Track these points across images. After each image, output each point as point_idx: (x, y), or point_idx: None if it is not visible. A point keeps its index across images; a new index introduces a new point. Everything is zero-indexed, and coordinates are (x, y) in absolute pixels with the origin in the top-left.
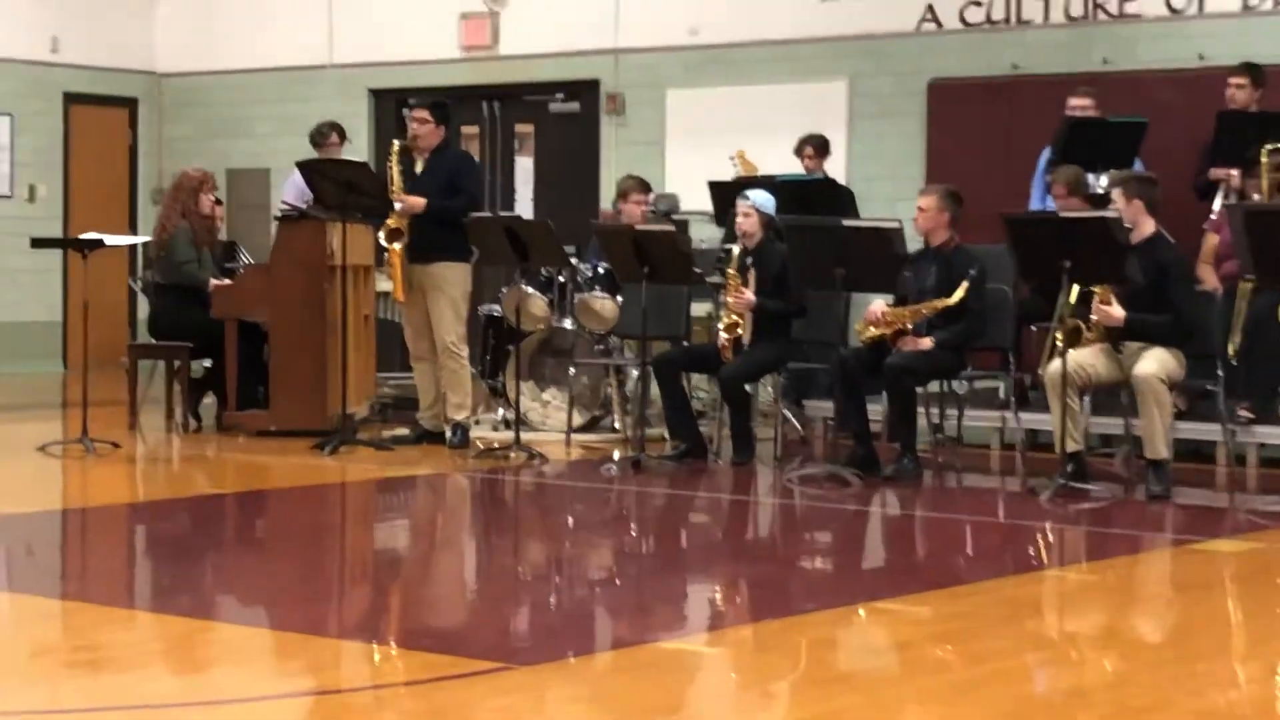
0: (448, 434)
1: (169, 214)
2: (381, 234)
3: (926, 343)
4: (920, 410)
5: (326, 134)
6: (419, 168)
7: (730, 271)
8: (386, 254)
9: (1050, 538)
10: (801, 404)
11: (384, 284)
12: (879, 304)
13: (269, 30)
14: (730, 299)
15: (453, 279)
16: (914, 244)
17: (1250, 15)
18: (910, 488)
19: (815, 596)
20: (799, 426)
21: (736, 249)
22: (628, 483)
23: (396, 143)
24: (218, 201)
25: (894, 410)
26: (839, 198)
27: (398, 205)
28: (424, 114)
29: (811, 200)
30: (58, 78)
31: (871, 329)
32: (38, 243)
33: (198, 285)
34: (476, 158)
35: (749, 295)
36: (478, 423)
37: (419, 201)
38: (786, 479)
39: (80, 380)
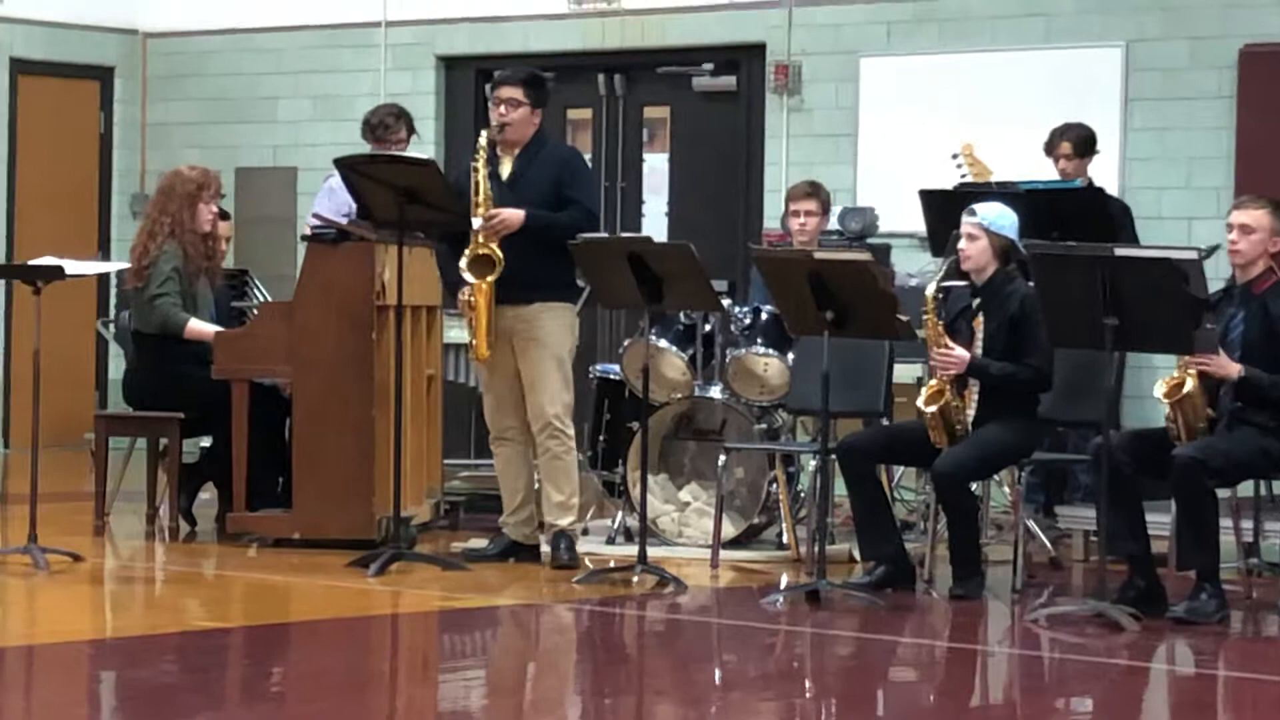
0: (545, 547)
1: (152, 230)
2: (463, 263)
3: (1234, 368)
4: (1226, 523)
5: (392, 125)
6: (505, 169)
7: (929, 315)
8: (467, 292)
9: None
10: (1053, 513)
11: (456, 333)
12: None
13: None
14: (935, 356)
15: (557, 327)
16: (1215, 281)
17: None
18: (1210, 635)
19: None
20: (1049, 544)
21: (935, 282)
22: (800, 621)
23: (484, 134)
24: (223, 215)
25: (1186, 523)
26: (1109, 215)
27: (485, 221)
28: (514, 92)
29: (1069, 218)
30: (2, 37)
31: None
32: None
33: (175, 331)
34: (587, 154)
35: (960, 351)
36: (586, 532)
37: (516, 215)
38: (1030, 619)
39: (28, 465)
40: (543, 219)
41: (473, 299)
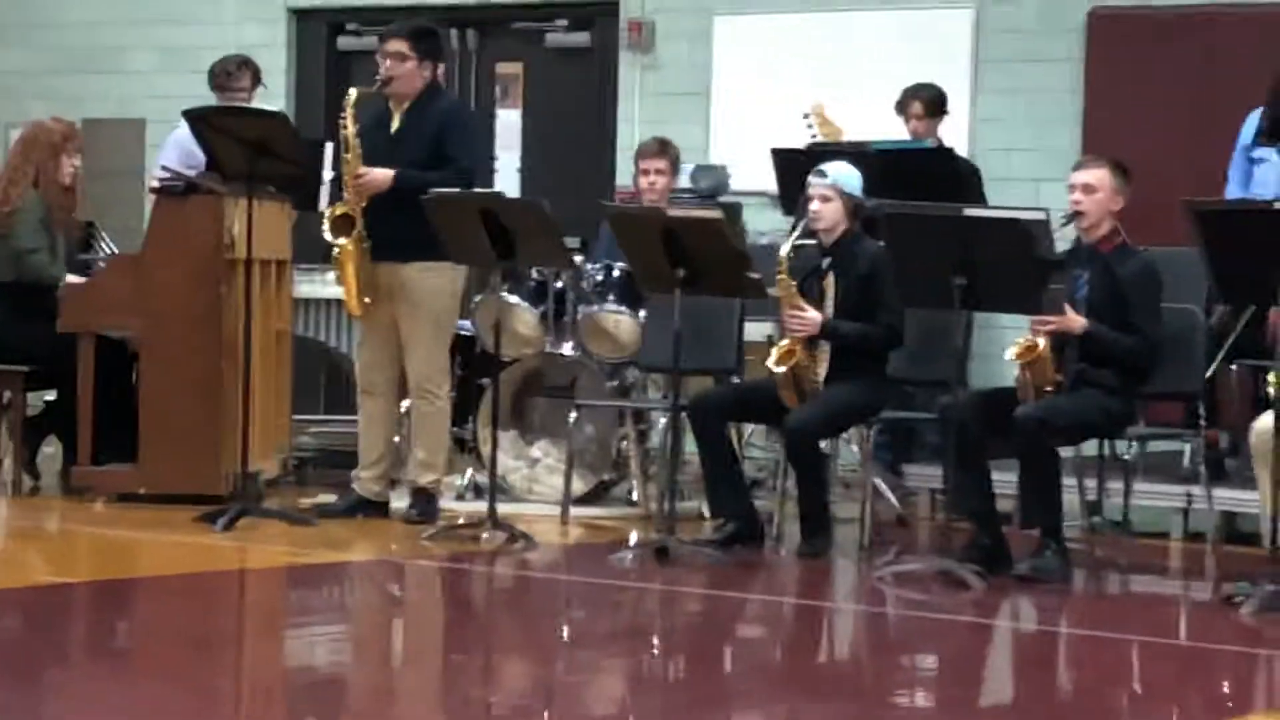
0: (399, 503)
1: (15, 179)
2: (325, 224)
3: (1079, 322)
4: (1069, 483)
5: (234, 73)
6: (394, 123)
7: (782, 277)
8: (335, 250)
9: (1254, 669)
10: (900, 471)
11: (309, 287)
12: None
13: None
14: (788, 317)
15: (436, 287)
16: (1062, 243)
17: None
18: (1054, 592)
19: None
20: (896, 503)
21: (789, 244)
22: (650, 578)
23: (353, 92)
24: (75, 167)
25: (1030, 482)
26: (958, 175)
27: (351, 179)
28: (400, 45)
29: (919, 178)
30: None
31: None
32: None
33: (50, 283)
34: None
35: (813, 313)
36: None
37: (383, 176)
38: (877, 577)
39: None
40: (414, 179)
41: (339, 258)
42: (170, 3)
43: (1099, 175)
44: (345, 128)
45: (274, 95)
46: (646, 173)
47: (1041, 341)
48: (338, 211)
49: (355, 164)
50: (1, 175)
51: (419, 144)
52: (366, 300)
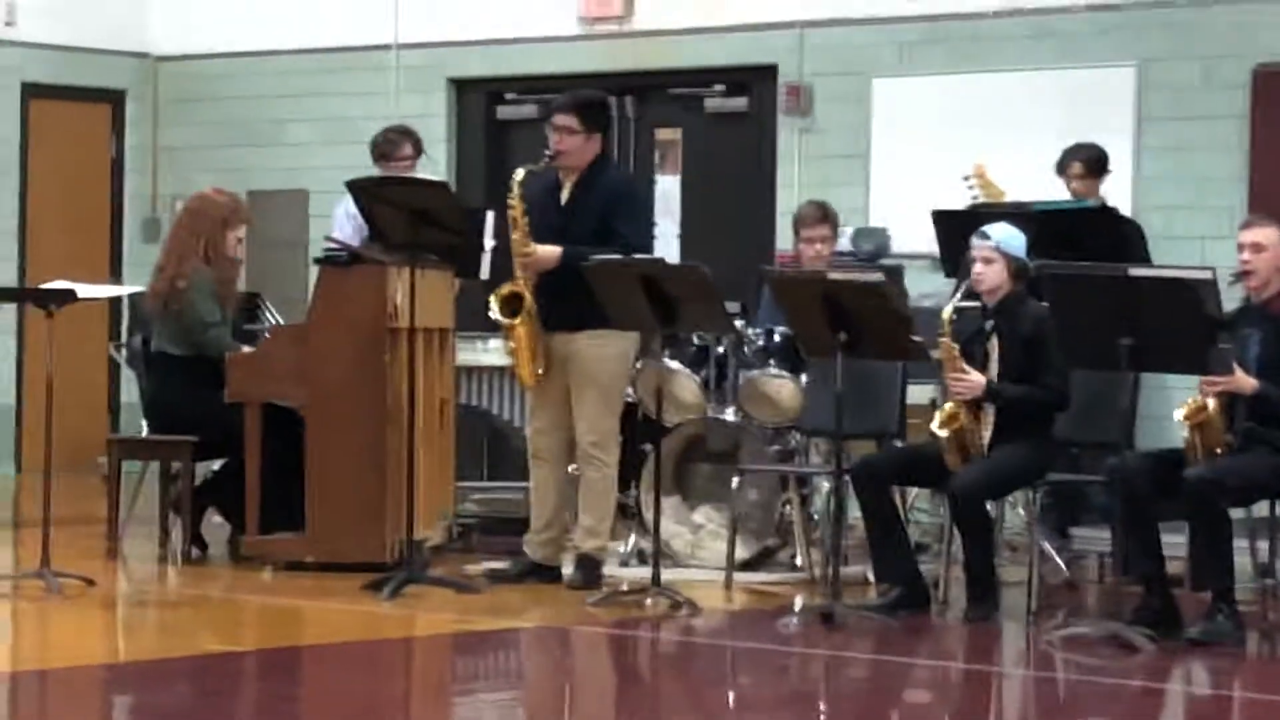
0: (567, 569)
1: (184, 253)
2: (493, 303)
3: (1249, 383)
4: (1241, 544)
5: (396, 143)
6: (564, 195)
7: (945, 339)
8: (506, 329)
9: None
10: (1067, 534)
11: (471, 355)
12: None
13: None
14: (951, 380)
15: (605, 355)
16: (1230, 301)
17: None
18: (1226, 655)
19: None
20: (1063, 566)
21: (952, 306)
22: (815, 644)
23: (520, 171)
24: (239, 239)
25: (1201, 543)
26: (1122, 235)
27: (519, 258)
28: (569, 120)
29: (1082, 238)
30: (14, 60)
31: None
32: None
33: (223, 358)
34: None
35: (976, 376)
36: None
37: (550, 255)
38: (1045, 641)
39: (40, 489)
40: (580, 255)
41: (512, 334)
42: (332, 75)
43: (1268, 234)
44: (513, 206)
45: (434, 165)
46: (811, 241)
47: (1211, 402)
48: (504, 291)
49: (523, 242)
50: (170, 250)
51: (588, 216)
52: (539, 371)
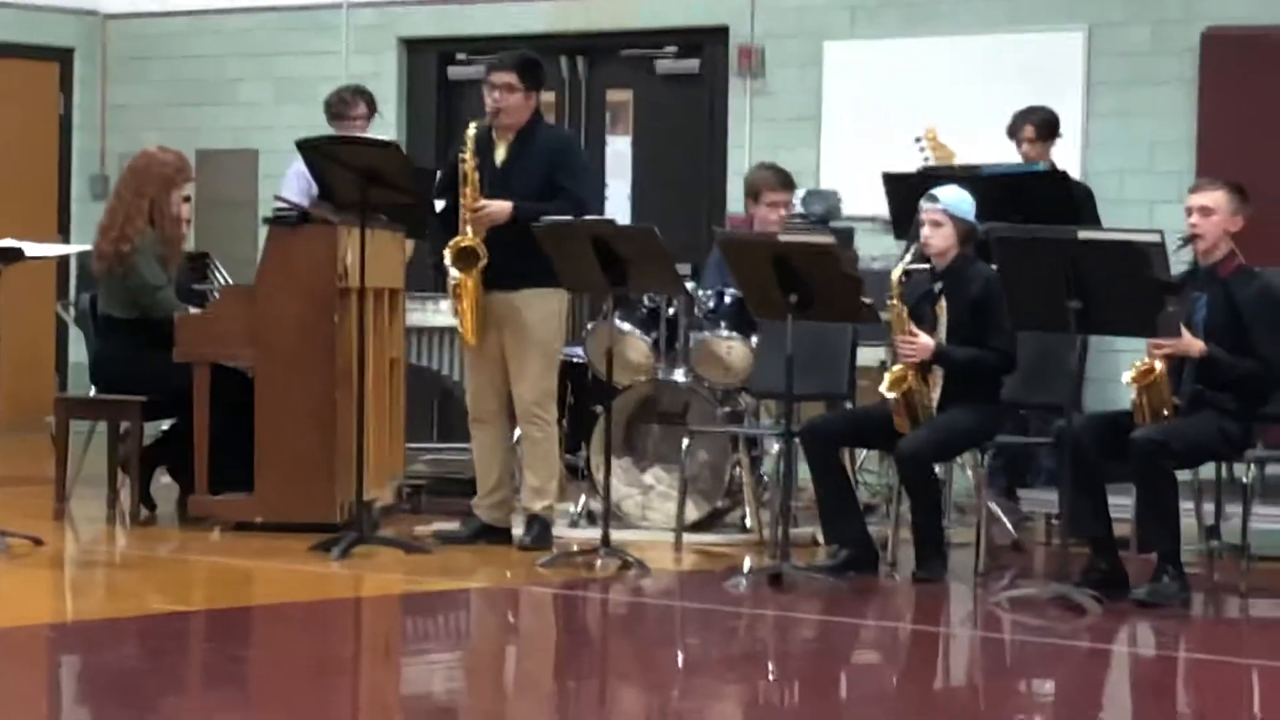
0: (518, 530)
1: (130, 214)
2: (448, 255)
3: (1197, 345)
4: (1187, 506)
5: (350, 102)
6: (499, 155)
7: (894, 302)
8: (453, 282)
9: None
10: (1015, 495)
11: (421, 315)
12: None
13: None
14: (900, 342)
15: (545, 313)
16: (1178, 264)
17: None
18: (1172, 617)
19: None
20: (1011, 527)
21: (901, 268)
22: (764, 604)
23: (472, 125)
24: (186, 198)
25: (1147, 505)
26: (1071, 198)
27: (471, 212)
28: (508, 77)
29: (1031, 201)
30: None
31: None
32: None
33: (171, 319)
34: None
35: (925, 338)
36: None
37: (503, 208)
38: (993, 602)
39: None
40: (530, 210)
41: (458, 288)
42: (283, 34)
43: (1216, 197)
44: (464, 161)
45: (385, 125)
46: (776, 205)
47: (1158, 364)
48: (461, 244)
49: (474, 196)
50: (115, 210)
51: (528, 175)
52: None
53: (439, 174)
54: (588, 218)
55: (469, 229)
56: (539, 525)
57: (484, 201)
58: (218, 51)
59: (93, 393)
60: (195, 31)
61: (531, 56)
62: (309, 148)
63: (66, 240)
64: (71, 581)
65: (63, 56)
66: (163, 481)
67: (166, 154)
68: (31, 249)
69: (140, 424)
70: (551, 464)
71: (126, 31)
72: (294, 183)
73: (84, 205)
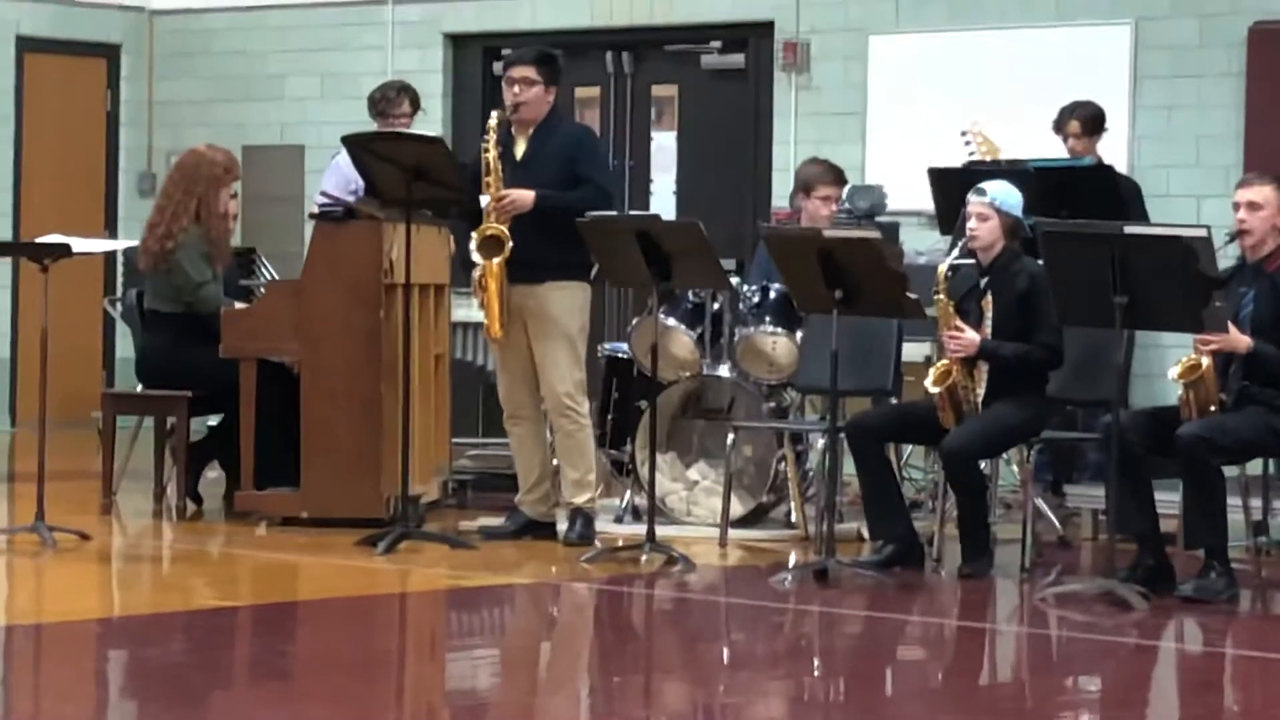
0: (562, 525)
1: (176, 212)
2: (473, 243)
3: (1244, 341)
4: (1234, 502)
5: (394, 99)
6: (519, 149)
7: (941, 297)
8: (478, 272)
9: None
10: (1062, 491)
11: (466, 311)
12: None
13: None
14: (946, 337)
15: (569, 306)
16: (1225, 259)
17: None
18: (1219, 613)
19: None
20: (1057, 523)
21: (947, 263)
22: (809, 600)
23: (495, 115)
24: (232, 195)
25: (1194, 501)
26: (1118, 193)
27: (495, 202)
28: (527, 71)
29: (1078, 196)
30: (8, 14)
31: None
32: None
33: (216, 314)
34: (597, 131)
35: (971, 333)
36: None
37: (526, 196)
38: (1039, 598)
39: (35, 443)
40: (554, 199)
41: (484, 279)
42: (328, 30)
43: (1264, 193)
44: (487, 150)
45: (431, 121)
46: (828, 200)
47: (1205, 360)
48: (487, 232)
49: (498, 186)
50: (163, 208)
51: (548, 167)
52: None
53: (464, 167)
54: (633, 213)
55: (493, 218)
56: (582, 519)
57: (507, 190)
58: (264, 47)
59: (139, 388)
60: (241, 27)
61: (550, 51)
62: (354, 144)
63: (113, 236)
64: (118, 576)
65: (110, 53)
66: (210, 476)
67: (215, 152)
68: (79, 245)
69: (187, 419)
70: (588, 455)
71: (173, 27)
72: (331, 177)
73: (131, 201)
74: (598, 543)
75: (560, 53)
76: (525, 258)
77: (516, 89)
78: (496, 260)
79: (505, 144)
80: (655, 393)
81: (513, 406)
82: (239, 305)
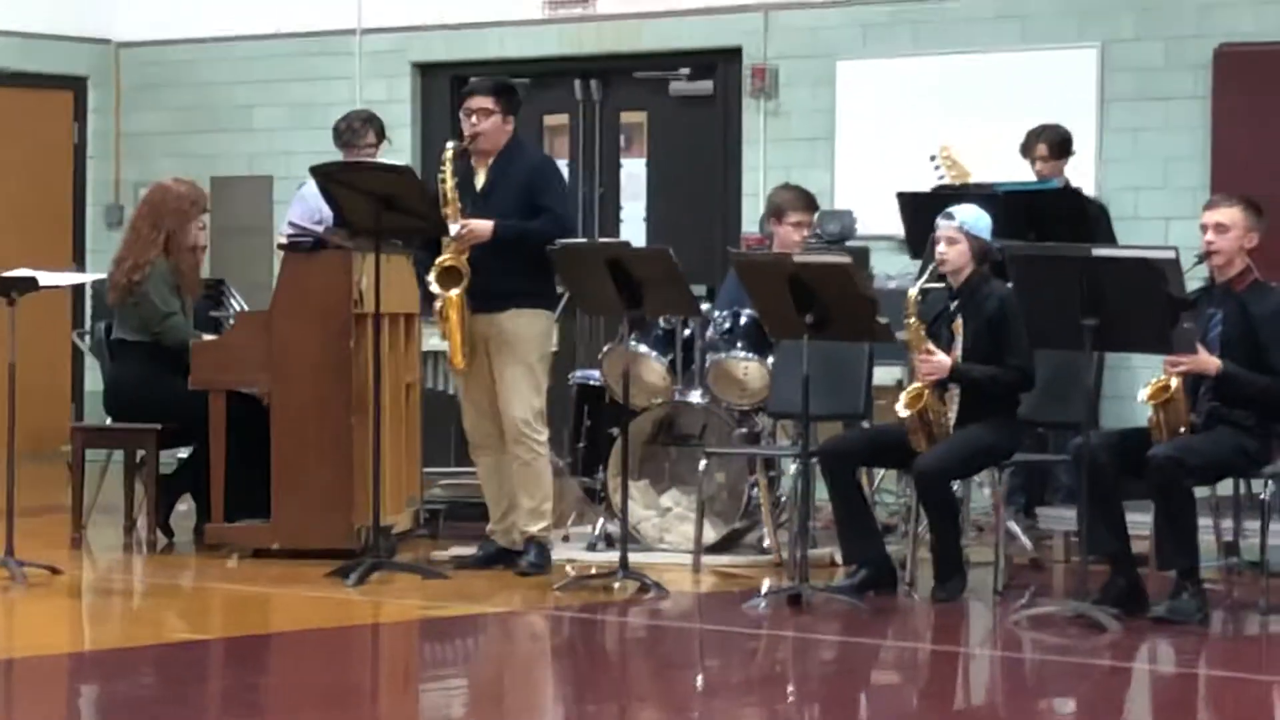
0: (523, 556)
1: (144, 246)
2: (431, 275)
3: (1213, 363)
4: (1205, 523)
5: (359, 130)
6: (480, 180)
7: (911, 321)
8: (439, 303)
9: None
10: (1033, 513)
11: (436, 341)
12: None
13: None
14: (917, 361)
15: (529, 334)
16: (1193, 281)
17: None
18: (1191, 634)
19: None
20: (1030, 545)
21: (917, 287)
22: (783, 625)
23: (450, 145)
24: (201, 227)
25: (1166, 522)
26: (1086, 215)
27: (454, 230)
28: (485, 101)
29: (1047, 219)
30: None
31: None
32: None
33: (186, 346)
34: (565, 160)
35: (942, 356)
36: (567, 539)
37: (485, 226)
38: (1012, 620)
39: (3, 478)
40: (513, 229)
41: (445, 310)
42: (296, 60)
43: (1232, 214)
44: (444, 180)
45: (399, 150)
46: (800, 226)
47: (1174, 382)
48: (445, 264)
49: (455, 215)
50: (131, 243)
51: (507, 197)
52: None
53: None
54: (602, 240)
55: (451, 249)
56: (536, 548)
57: (465, 220)
58: (231, 78)
59: (108, 421)
60: (208, 58)
61: (508, 82)
62: (323, 174)
63: (81, 269)
64: (89, 610)
65: (76, 85)
66: (181, 509)
67: (181, 185)
68: (46, 278)
69: (156, 452)
70: (544, 484)
71: (139, 59)
72: (298, 206)
73: (99, 234)
74: (570, 570)
75: (525, 80)
76: (486, 286)
77: (474, 119)
78: (455, 291)
79: (464, 174)
80: (627, 420)
81: (478, 436)
82: (208, 337)
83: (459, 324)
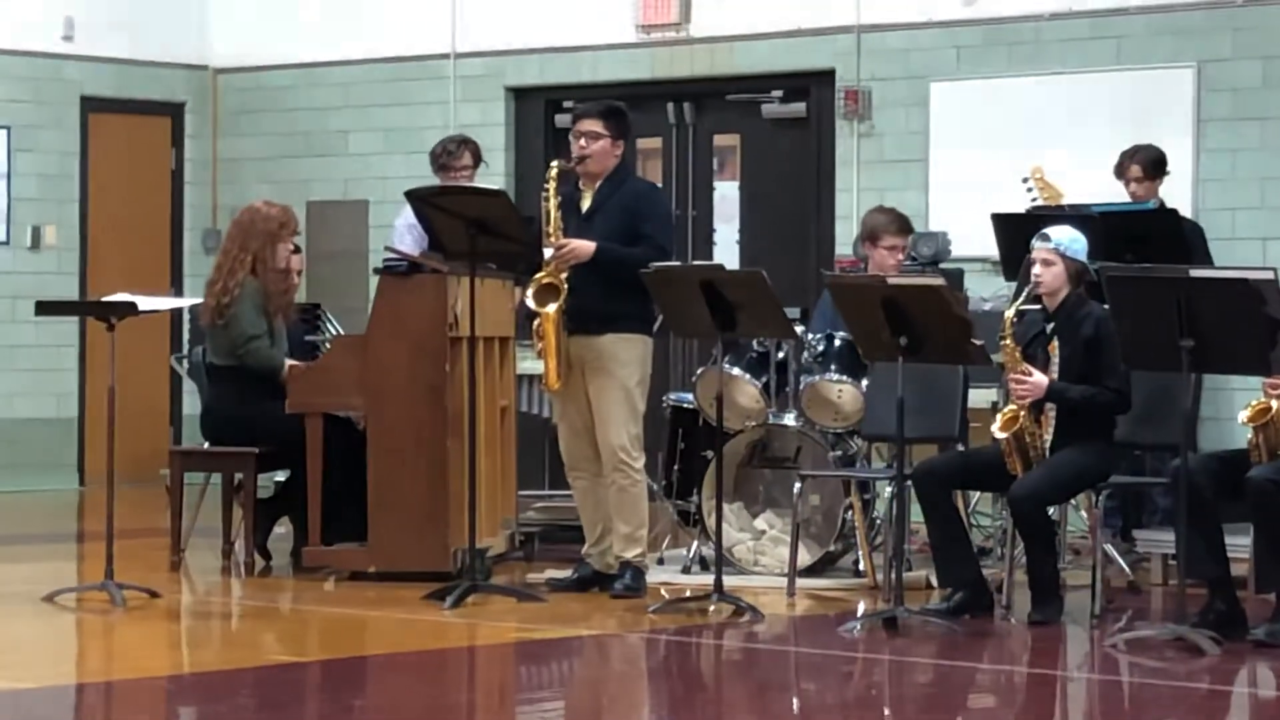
0: (618, 580)
1: (233, 267)
2: (529, 293)
3: None
4: None
5: (455, 153)
6: (585, 202)
7: (1007, 343)
8: (536, 322)
9: None
10: (1131, 536)
11: (530, 364)
12: None
13: (367, 9)
14: (1012, 383)
15: (627, 358)
16: None
17: None
18: None
19: None
20: (1127, 568)
21: (1013, 309)
22: (878, 649)
23: (555, 165)
24: (295, 249)
25: (1265, 544)
26: (1182, 236)
27: (553, 252)
28: (595, 124)
29: (1142, 240)
30: (72, 74)
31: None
32: (44, 308)
33: (271, 369)
34: (658, 183)
35: (1038, 377)
36: (661, 562)
37: (586, 246)
38: (1110, 644)
39: (103, 501)
40: (613, 253)
41: (541, 328)
42: (391, 85)
43: None
44: (547, 200)
45: (493, 174)
46: (894, 249)
47: (1274, 403)
48: (543, 280)
49: (557, 235)
50: (221, 266)
51: (611, 220)
52: (561, 374)
53: (530, 220)
54: (697, 263)
55: (551, 267)
56: (631, 572)
57: (566, 240)
58: (327, 103)
59: (204, 444)
60: (304, 84)
61: (618, 106)
62: (417, 198)
63: (179, 294)
64: (188, 633)
65: (174, 111)
66: (278, 532)
67: (271, 208)
68: (144, 303)
69: (254, 475)
70: (640, 511)
71: (236, 85)
72: (404, 235)
73: (196, 258)
74: (664, 593)
75: (626, 106)
76: (585, 308)
77: (583, 141)
78: (552, 308)
79: (570, 195)
80: (721, 442)
81: (573, 459)
82: (294, 362)
83: (555, 344)
